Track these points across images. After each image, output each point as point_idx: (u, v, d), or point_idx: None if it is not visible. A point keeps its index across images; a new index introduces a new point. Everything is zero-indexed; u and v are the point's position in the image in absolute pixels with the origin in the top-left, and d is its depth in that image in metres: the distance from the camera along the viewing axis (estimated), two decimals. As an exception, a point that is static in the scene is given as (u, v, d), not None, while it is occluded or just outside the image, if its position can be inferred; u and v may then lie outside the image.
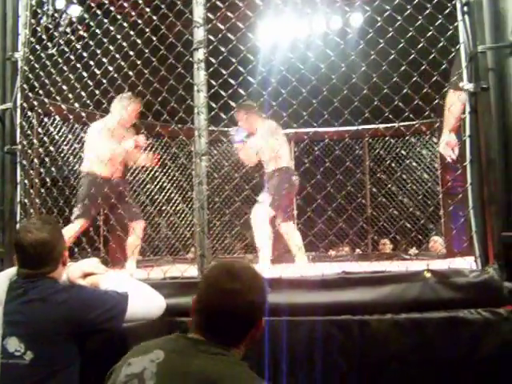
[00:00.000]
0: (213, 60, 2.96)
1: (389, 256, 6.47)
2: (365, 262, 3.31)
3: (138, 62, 3.23)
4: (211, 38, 2.94)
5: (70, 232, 4.36)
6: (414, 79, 2.92)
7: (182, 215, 6.83)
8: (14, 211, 3.38)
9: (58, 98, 3.76)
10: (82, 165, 5.11)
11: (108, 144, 4.75)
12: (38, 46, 3.62)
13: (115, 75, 3.34)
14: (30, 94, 3.69)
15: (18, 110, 3.43)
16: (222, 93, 3.00)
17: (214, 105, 2.95)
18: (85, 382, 2.43)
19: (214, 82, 2.96)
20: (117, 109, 4.93)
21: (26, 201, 3.41)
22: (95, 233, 5.00)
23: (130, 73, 3.27)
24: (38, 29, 3.73)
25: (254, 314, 1.76)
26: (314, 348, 2.50)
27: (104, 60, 3.39)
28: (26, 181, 3.42)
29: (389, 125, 5.18)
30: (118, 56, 3.32)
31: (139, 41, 3.24)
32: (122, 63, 3.32)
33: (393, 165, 7.41)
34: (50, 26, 3.93)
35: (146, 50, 3.18)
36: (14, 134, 3.43)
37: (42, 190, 3.83)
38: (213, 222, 4.82)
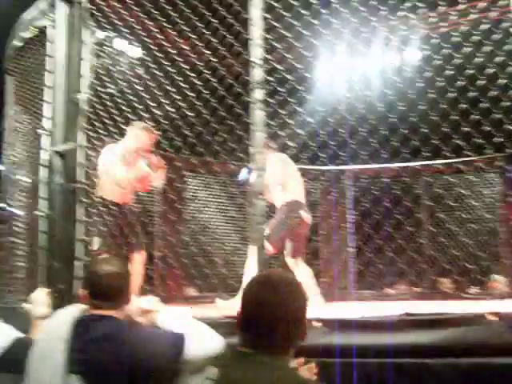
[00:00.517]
0: (271, 100, 2.98)
1: (448, 295, 6.33)
2: (424, 301, 3.22)
3: (197, 103, 3.29)
4: (269, 78, 2.96)
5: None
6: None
7: (239, 253, 6.79)
8: (75, 248, 3.44)
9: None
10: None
11: (119, 169, 4.64)
12: (99, 88, 3.74)
13: (175, 115, 3.40)
14: (91, 133, 3.80)
15: (80, 150, 3.51)
16: (281, 133, 3.01)
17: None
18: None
19: (272, 122, 2.97)
20: (128, 136, 4.80)
21: (86, 238, 3.48)
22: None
23: (189, 113, 3.33)
24: (100, 71, 3.85)
25: (297, 322, 1.77)
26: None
27: (164, 101, 3.46)
28: (86, 218, 3.49)
29: (447, 161, 5.10)
30: (177, 97, 3.39)
31: (198, 82, 3.30)
32: (182, 104, 3.37)
33: (451, 203, 7.28)
34: (112, 68, 4.02)
35: (205, 91, 3.23)
36: (75, 173, 3.51)
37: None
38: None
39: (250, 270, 4.44)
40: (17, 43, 4.38)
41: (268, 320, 1.74)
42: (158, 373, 2.48)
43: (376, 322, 2.63)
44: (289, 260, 4.94)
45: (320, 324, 2.65)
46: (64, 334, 2.45)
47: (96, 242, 4.50)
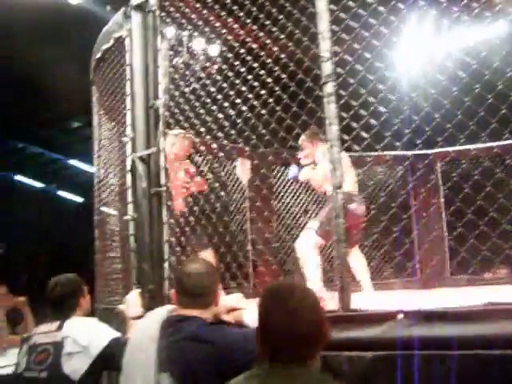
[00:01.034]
0: (343, 92, 2.96)
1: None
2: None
3: (270, 100, 3.31)
4: (340, 70, 2.94)
5: None
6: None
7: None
8: (162, 250, 3.56)
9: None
10: None
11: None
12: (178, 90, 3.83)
13: (249, 115, 3.44)
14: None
15: (162, 154, 3.62)
16: (354, 125, 2.98)
17: (346, 137, 2.95)
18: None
19: (345, 115, 2.95)
20: (173, 144, 4.99)
21: (172, 239, 3.59)
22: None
23: (263, 111, 3.36)
24: (175, 76, 3.95)
25: (319, 328, 1.82)
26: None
27: (238, 100, 3.52)
28: (171, 220, 3.60)
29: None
30: (250, 96, 3.43)
31: (270, 79, 3.33)
32: (255, 102, 3.41)
33: None
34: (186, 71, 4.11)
35: (277, 88, 3.25)
36: (159, 177, 3.63)
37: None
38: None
39: (310, 260, 4.46)
40: (98, 55, 4.56)
41: (293, 329, 1.77)
42: (242, 371, 2.55)
43: (458, 312, 2.55)
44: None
45: (402, 316, 2.62)
46: (154, 334, 2.56)
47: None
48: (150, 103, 3.68)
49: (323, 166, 4.56)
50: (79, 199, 17.57)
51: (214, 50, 5.68)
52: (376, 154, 6.69)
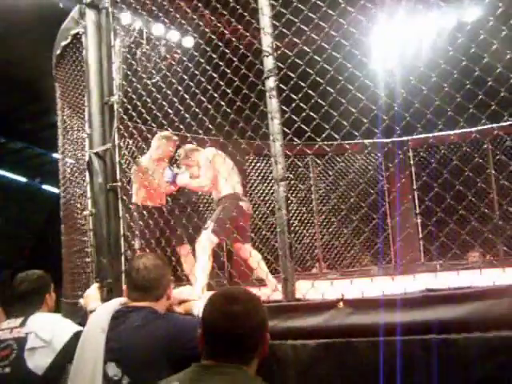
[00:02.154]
0: (283, 87, 3.00)
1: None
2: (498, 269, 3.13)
3: (216, 94, 3.36)
4: (280, 65, 2.98)
5: None
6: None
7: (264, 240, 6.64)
8: (119, 244, 3.61)
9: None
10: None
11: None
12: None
13: (196, 109, 3.49)
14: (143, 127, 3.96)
15: (117, 149, 3.67)
16: (295, 118, 3.03)
17: (287, 130, 2.99)
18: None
19: (286, 109, 2.99)
20: (151, 147, 5.33)
21: (128, 234, 3.64)
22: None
23: (209, 106, 3.41)
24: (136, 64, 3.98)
25: (257, 332, 1.88)
26: (397, 369, 2.44)
27: (185, 96, 3.56)
28: (127, 215, 3.65)
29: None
30: (197, 91, 3.48)
31: (215, 74, 3.38)
32: (202, 98, 3.46)
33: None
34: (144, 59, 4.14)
35: (222, 83, 3.29)
36: (114, 172, 3.68)
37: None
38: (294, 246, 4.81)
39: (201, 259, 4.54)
40: (58, 51, 4.59)
41: (232, 331, 1.83)
42: (188, 358, 2.61)
43: (397, 299, 2.62)
44: (238, 249, 5.01)
45: (341, 304, 2.67)
46: (104, 325, 2.62)
47: (136, 243, 4.75)
48: (105, 100, 3.72)
49: (206, 170, 4.82)
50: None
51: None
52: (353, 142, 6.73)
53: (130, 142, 4.12)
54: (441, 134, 5.98)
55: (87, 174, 3.81)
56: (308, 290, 2.90)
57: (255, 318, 1.90)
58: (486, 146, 7.56)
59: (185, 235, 5.19)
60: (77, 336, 3.01)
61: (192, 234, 4.59)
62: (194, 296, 3.06)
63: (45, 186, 17.78)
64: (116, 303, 2.78)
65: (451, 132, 5.99)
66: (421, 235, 7.45)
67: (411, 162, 7.92)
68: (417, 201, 7.73)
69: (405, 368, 2.45)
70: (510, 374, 2.35)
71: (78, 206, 4.72)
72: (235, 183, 4.85)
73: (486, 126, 5.17)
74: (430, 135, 6.22)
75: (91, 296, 3.39)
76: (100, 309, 2.88)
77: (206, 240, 4.50)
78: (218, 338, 1.87)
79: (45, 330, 3.07)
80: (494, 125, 5.27)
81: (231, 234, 4.72)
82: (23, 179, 17.25)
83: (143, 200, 5.20)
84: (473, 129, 5.13)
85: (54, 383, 3.03)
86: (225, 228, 4.52)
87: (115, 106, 3.70)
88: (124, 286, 2.90)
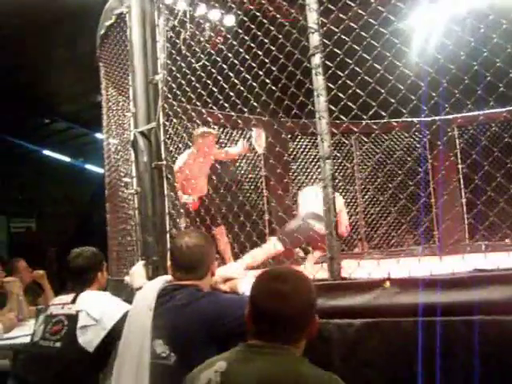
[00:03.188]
0: (330, 64, 2.96)
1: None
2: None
3: (261, 73, 3.34)
4: (326, 42, 2.94)
5: None
6: None
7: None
8: (164, 222, 3.64)
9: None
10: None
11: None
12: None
13: (241, 88, 3.47)
14: (188, 106, 3.97)
15: (162, 128, 3.68)
16: (341, 95, 2.99)
17: (333, 108, 2.96)
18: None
19: (332, 86, 2.96)
20: (193, 144, 5.44)
21: (173, 212, 3.67)
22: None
23: (254, 84, 3.39)
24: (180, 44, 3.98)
25: (305, 313, 1.86)
26: (442, 349, 2.42)
27: (230, 73, 3.55)
28: (172, 193, 3.67)
29: None
30: (242, 68, 3.47)
31: (260, 52, 3.35)
32: (247, 75, 3.44)
33: None
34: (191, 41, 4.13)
35: (267, 60, 3.27)
36: (159, 151, 3.70)
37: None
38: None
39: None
40: (102, 31, 4.61)
41: (279, 311, 1.82)
42: (233, 337, 2.62)
43: (444, 279, 2.58)
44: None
45: (388, 284, 2.65)
46: (151, 303, 2.65)
47: (182, 221, 4.83)
48: (149, 78, 3.73)
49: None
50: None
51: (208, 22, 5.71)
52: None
53: (175, 120, 4.11)
54: (490, 111, 5.84)
55: (132, 152, 3.84)
56: (354, 269, 2.88)
57: (304, 298, 1.88)
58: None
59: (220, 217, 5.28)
60: (126, 315, 3.07)
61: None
62: (236, 273, 3.06)
63: (88, 166, 18.03)
64: (162, 281, 2.81)
65: (502, 109, 5.87)
66: (466, 215, 7.33)
67: (458, 141, 7.78)
68: (462, 180, 7.60)
69: (450, 348, 2.42)
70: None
71: (123, 184, 4.77)
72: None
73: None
74: (479, 113, 6.09)
75: (137, 273, 3.44)
76: (146, 287, 2.91)
77: (271, 244, 4.62)
78: (266, 318, 1.86)
79: (95, 309, 3.13)
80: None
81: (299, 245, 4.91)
82: (67, 159, 17.52)
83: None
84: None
85: (104, 360, 3.10)
86: (293, 243, 4.67)
87: (160, 85, 3.70)
88: (168, 263, 2.93)
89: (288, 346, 1.83)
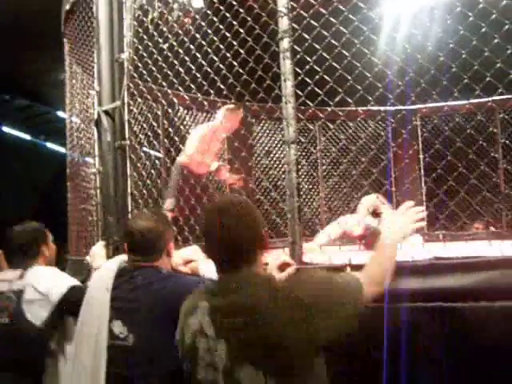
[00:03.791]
0: (298, 48, 2.95)
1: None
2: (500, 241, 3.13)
3: (228, 55, 3.31)
4: (296, 26, 2.92)
5: None
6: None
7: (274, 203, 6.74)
8: (127, 202, 3.61)
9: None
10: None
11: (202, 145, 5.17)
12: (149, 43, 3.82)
13: (208, 70, 3.44)
14: (154, 86, 3.92)
15: (126, 108, 3.64)
16: (309, 81, 2.99)
17: (300, 93, 2.95)
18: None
19: (299, 71, 2.94)
20: (218, 117, 5.44)
21: (135, 192, 3.64)
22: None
23: (221, 66, 3.37)
24: (148, 24, 3.92)
25: (251, 237, 1.95)
26: (402, 335, 2.45)
27: (197, 55, 3.51)
28: (135, 173, 3.64)
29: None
30: (209, 50, 3.44)
31: (228, 34, 3.33)
32: (214, 57, 3.41)
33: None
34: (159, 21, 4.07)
35: (235, 43, 3.25)
36: (123, 131, 3.65)
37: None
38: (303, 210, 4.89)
39: None
40: (67, 7, 4.53)
41: (225, 241, 1.92)
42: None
43: (404, 266, 2.61)
44: None
45: (349, 269, 2.67)
46: (109, 284, 2.62)
47: (169, 203, 4.84)
48: (115, 57, 3.68)
49: None
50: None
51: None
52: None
53: (140, 100, 4.06)
54: (454, 103, 5.94)
55: (95, 131, 3.79)
56: (316, 253, 2.90)
57: (246, 224, 1.95)
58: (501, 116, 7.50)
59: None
60: (73, 289, 3.05)
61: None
62: (197, 255, 3.05)
63: (50, 145, 17.75)
64: (119, 261, 2.78)
65: (466, 102, 5.96)
66: (425, 204, 7.44)
67: (420, 131, 7.88)
68: (422, 170, 7.71)
69: (409, 335, 2.46)
70: (512, 342, 2.38)
71: (85, 164, 4.71)
72: None
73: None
74: (443, 104, 6.18)
75: (97, 253, 3.41)
76: (104, 267, 2.88)
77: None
78: (216, 249, 1.97)
79: (42, 283, 3.11)
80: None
81: None
82: (28, 137, 17.22)
83: (194, 165, 5.27)
84: (489, 98, 5.12)
85: (51, 335, 3.10)
86: None
87: (125, 64, 3.65)
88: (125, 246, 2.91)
89: (248, 267, 1.93)
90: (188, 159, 5.18)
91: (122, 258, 2.83)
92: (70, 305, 2.99)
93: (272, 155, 7.77)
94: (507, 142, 7.07)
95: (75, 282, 3.16)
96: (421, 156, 7.69)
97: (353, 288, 1.97)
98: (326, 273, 2.17)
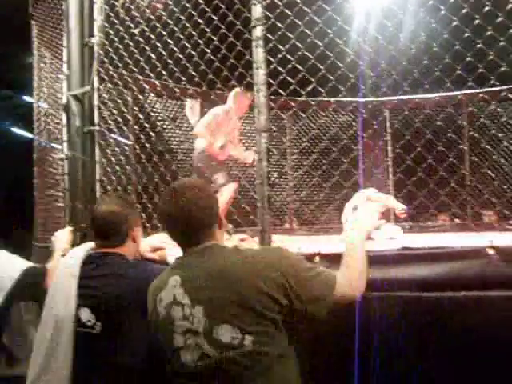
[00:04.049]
0: (271, 37, 2.94)
1: (491, 227, 6.23)
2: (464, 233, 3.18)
3: (201, 42, 3.29)
4: (269, 14, 2.91)
5: None
6: None
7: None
8: (95, 188, 3.57)
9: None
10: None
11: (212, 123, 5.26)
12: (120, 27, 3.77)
13: (180, 56, 3.41)
14: (124, 72, 3.87)
15: (96, 93, 3.59)
16: (281, 69, 2.98)
17: (272, 81, 2.94)
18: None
19: (272, 59, 2.94)
20: (228, 100, 5.54)
21: (104, 179, 3.60)
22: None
23: (193, 52, 3.34)
24: (119, 8, 3.87)
25: (209, 213, 2.08)
26: (369, 325, 2.48)
27: (169, 41, 3.48)
28: (104, 159, 3.60)
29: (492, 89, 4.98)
30: (181, 37, 3.40)
31: (201, 21, 3.30)
32: (186, 44, 3.38)
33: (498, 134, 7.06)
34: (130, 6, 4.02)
35: (208, 30, 3.22)
36: (92, 116, 3.61)
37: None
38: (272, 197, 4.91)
39: None
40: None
41: (183, 220, 2.04)
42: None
43: (372, 256, 2.63)
44: None
45: (318, 258, 2.69)
46: (75, 271, 2.59)
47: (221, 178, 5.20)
48: (85, 41, 3.63)
49: None
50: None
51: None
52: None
53: (110, 86, 4.01)
54: (424, 96, 6.00)
55: (64, 116, 3.73)
56: (283, 242, 2.90)
57: (203, 200, 2.07)
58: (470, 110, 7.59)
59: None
60: (27, 272, 3.00)
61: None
62: (164, 242, 3.03)
63: (15, 130, 17.43)
64: (86, 248, 2.75)
65: (436, 94, 6.01)
66: (393, 195, 7.51)
67: (388, 124, 7.96)
68: (390, 162, 7.79)
69: (376, 325, 2.49)
70: (475, 331, 2.42)
71: (52, 149, 4.65)
72: None
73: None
74: (413, 96, 6.24)
75: (62, 237, 3.36)
76: (69, 254, 2.84)
77: None
78: (175, 229, 2.10)
79: None
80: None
81: None
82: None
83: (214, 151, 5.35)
84: (459, 92, 5.18)
85: (6, 320, 3.06)
86: None
87: (95, 48, 3.60)
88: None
89: (210, 242, 2.05)
90: (196, 133, 5.38)
91: (90, 245, 2.79)
92: (24, 288, 2.93)
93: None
94: (476, 135, 7.16)
95: (28, 263, 3.09)
96: (389, 148, 7.77)
97: (328, 279, 2.02)
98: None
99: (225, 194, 5.23)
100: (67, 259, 2.77)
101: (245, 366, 1.83)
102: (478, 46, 2.93)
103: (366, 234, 2.36)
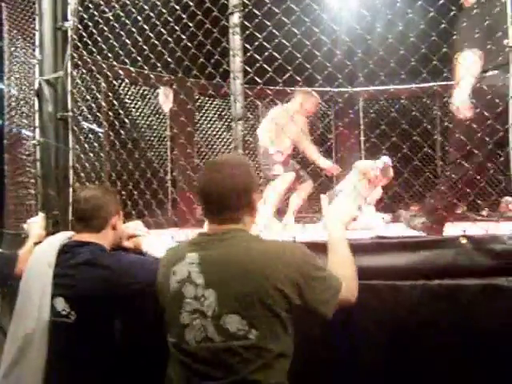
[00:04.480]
0: (248, 24, 2.92)
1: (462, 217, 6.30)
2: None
3: (177, 28, 3.25)
4: (246, 1, 2.90)
5: None
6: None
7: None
8: (68, 175, 3.52)
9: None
10: None
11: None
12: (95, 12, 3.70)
13: (156, 42, 3.38)
14: (99, 57, 3.81)
15: (69, 78, 3.53)
16: (258, 57, 2.97)
17: (249, 69, 2.93)
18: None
19: (249, 47, 2.92)
20: (295, 99, 5.60)
21: (77, 165, 3.55)
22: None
23: (169, 38, 3.30)
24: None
25: (240, 193, 2.02)
26: (345, 314, 2.49)
27: (145, 26, 3.44)
28: (77, 146, 3.55)
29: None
30: (157, 22, 3.36)
31: (177, 7, 3.26)
32: (162, 30, 3.34)
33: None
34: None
35: (184, 16, 3.19)
36: (65, 101, 3.55)
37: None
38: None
39: None
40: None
41: (217, 193, 2.00)
42: (134, 297, 2.60)
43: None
44: None
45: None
46: (51, 260, 2.56)
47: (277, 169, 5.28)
48: (58, 25, 3.56)
49: None
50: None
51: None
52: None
53: (84, 71, 3.95)
54: (399, 87, 6.04)
55: (36, 102, 3.66)
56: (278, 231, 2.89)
57: (237, 180, 2.02)
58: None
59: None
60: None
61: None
62: (139, 230, 3.01)
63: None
64: (62, 237, 2.73)
65: (411, 85, 6.05)
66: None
67: (361, 114, 8.01)
68: (363, 152, 7.84)
69: (352, 312, 2.50)
70: (448, 318, 2.45)
71: (24, 135, 4.57)
72: None
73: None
74: (389, 87, 6.27)
75: (35, 223, 3.32)
76: (45, 242, 2.81)
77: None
78: (208, 202, 2.04)
79: None
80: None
81: None
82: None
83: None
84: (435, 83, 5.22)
85: None
86: None
87: (69, 32, 3.53)
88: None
89: (237, 224, 2.03)
90: (260, 143, 5.44)
91: (67, 234, 2.77)
92: None
93: (217, 131, 7.72)
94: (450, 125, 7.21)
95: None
96: (362, 138, 7.83)
97: (336, 280, 2.06)
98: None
99: (279, 184, 5.29)
100: (43, 247, 2.74)
101: (246, 358, 1.84)
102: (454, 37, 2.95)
103: (345, 226, 2.39)
